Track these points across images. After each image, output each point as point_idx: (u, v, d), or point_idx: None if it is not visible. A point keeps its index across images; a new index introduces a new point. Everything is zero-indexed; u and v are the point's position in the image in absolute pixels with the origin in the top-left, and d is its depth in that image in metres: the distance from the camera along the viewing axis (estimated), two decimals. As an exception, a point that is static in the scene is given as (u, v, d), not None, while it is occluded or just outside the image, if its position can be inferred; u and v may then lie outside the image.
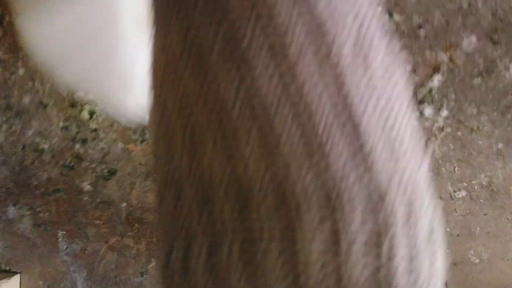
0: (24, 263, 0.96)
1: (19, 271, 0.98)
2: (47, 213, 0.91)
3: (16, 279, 1.01)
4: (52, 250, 0.95)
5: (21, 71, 0.80)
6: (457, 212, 0.89)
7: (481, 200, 0.87)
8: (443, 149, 0.84)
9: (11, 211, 0.89)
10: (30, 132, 0.84)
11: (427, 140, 0.86)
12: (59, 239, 0.95)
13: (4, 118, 0.83)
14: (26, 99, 0.82)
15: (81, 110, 0.91)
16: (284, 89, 0.35)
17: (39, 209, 0.90)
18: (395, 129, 0.37)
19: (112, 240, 1.04)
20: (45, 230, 0.92)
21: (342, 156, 0.35)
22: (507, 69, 0.77)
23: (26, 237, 0.93)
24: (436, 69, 0.83)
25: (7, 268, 0.96)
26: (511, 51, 0.76)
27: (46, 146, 0.85)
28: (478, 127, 0.83)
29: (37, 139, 0.84)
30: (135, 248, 1.05)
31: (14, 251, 0.94)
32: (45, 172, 0.86)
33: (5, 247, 0.93)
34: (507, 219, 0.88)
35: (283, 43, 0.35)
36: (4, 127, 0.83)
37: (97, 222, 1.02)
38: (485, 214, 0.88)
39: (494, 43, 0.76)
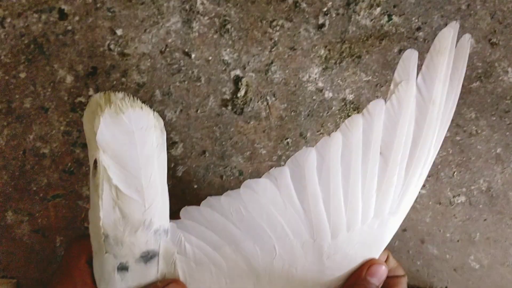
0: (21, 269, 0.95)
1: (16, 278, 0.97)
2: (45, 219, 0.90)
3: (13, 285, 1.00)
4: (50, 256, 0.94)
5: (22, 75, 0.80)
6: (456, 218, 0.89)
7: (480, 206, 0.88)
8: (442, 153, 0.85)
9: (10, 216, 0.89)
10: (31, 137, 0.84)
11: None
12: (58, 245, 0.94)
13: (5, 123, 0.83)
14: (27, 103, 0.82)
15: (82, 115, 0.92)
16: None
17: (37, 214, 0.90)
18: None
19: (111, 246, 1.03)
20: (43, 236, 0.92)
21: None
22: (506, 72, 0.78)
23: (24, 242, 0.92)
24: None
25: (4, 274, 0.95)
26: (509, 53, 0.77)
27: (46, 151, 0.85)
28: (477, 131, 0.84)
29: (38, 144, 0.85)
30: (134, 255, 1.04)
31: (11, 257, 0.93)
32: (45, 177, 0.86)
33: (2, 253, 0.93)
34: (507, 224, 0.88)
35: None
36: (5, 131, 0.83)
37: (96, 228, 1.01)
38: (484, 220, 0.88)
39: (493, 45, 0.77)
